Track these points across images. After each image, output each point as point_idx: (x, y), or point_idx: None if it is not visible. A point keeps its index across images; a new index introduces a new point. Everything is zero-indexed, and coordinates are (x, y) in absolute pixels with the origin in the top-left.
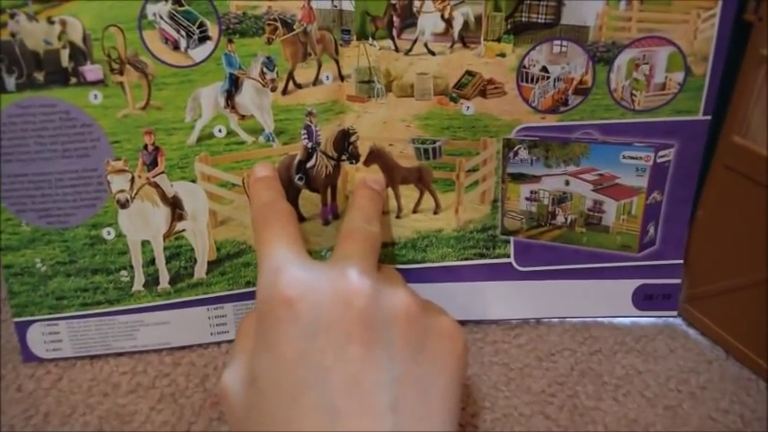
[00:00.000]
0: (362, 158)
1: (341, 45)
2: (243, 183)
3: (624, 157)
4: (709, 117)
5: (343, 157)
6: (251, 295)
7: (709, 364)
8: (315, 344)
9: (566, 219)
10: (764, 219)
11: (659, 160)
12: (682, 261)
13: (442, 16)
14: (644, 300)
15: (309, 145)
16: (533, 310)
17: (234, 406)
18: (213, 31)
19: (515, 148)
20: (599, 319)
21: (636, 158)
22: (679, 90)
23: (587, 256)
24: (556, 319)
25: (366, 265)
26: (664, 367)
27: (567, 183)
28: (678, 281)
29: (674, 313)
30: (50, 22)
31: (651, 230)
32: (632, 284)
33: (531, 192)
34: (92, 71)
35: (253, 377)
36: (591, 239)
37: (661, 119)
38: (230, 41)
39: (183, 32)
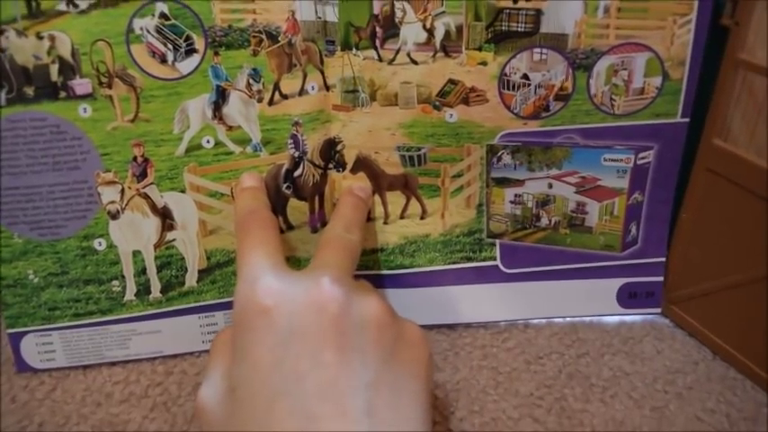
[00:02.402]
0: (349, 166)
1: (326, 56)
2: (231, 192)
3: (605, 160)
4: (687, 119)
5: (330, 166)
6: None
7: (695, 364)
8: (290, 350)
9: (550, 221)
10: (747, 220)
11: (639, 162)
12: (664, 259)
13: (424, 26)
14: (628, 298)
15: (296, 154)
16: (520, 311)
17: (212, 420)
18: (199, 43)
19: (499, 154)
20: (586, 321)
21: (617, 161)
22: (657, 94)
23: (572, 256)
24: (544, 322)
25: (340, 274)
26: (650, 368)
27: (550, 186)
28: (661, 278)
29: (658, 310)
30: (39, 37)
31: (633, 230)
32: (616, 283)
33: (516, 195)
34: (81, 85)
35: (231, 388)
36: (575, 240)
37: (640, 122)
38: (216, 54)
39: (169, 46)
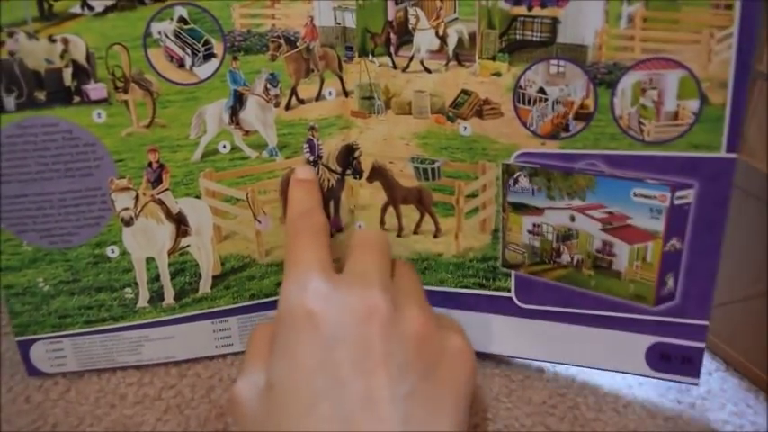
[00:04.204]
0: (365, 174)
1: (344, 61)
2: (247, 197)
3: (636, 195)
4: (734, 155)
5: (348, 172)
6: (255, 308)
7: (709, 375)
8: (333, 356)
9: (572, 258)
10: (763, 231)
11: (677, 202)
12: (706, 323)
13: (437, 33)
14: (660, 359)
15: (311, 159)
16: (534, 350)
17: (247, 413)
18: (218, 48)
19: (515, 176)
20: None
21: (649, 197)
22: (694, 121)
23: (596, 301)
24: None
25: (386, 281)
26: (665, 378)
27: (573, 219)
28: (702, 344)
29: (697, 381)
30: (52, 40)
31: (670, 282)
32: (647, 340)
33: (534, 225)
34: (95, 90)
35: (269, 384)
36: (600, 284)
37: (676, 153)
38: (235, 59)
39: (188, 50)
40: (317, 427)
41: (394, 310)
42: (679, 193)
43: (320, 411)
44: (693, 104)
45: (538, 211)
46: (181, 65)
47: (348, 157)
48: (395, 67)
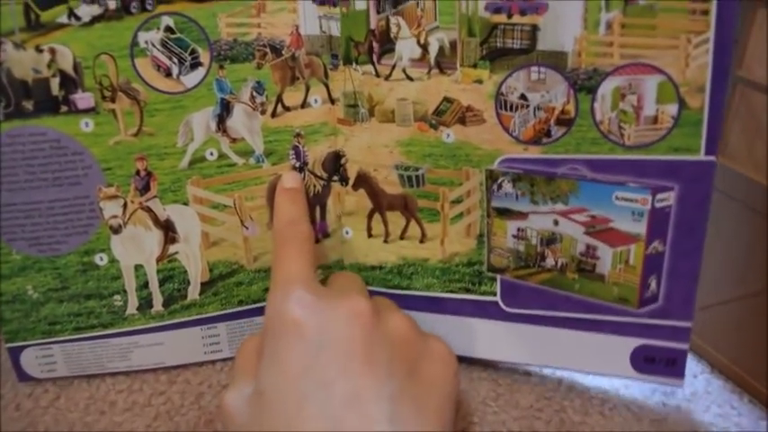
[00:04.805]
0: (351, 182)
1: (330, 69)
2: (234, 204)
3: (617, 199)
4: (713, 158)
5: (334, 178)
6: (244, 314)
7: (694, 377)
8: (319, 359)
9: (556, 262)
10: (744, 235)
11: (658, 204)
12: (690, 324)
13: (419, 42)
14: (644, 362)
15: (297, 165)
16: (520, 354)
17: (238, 422)
18: (205, 57)
19: (499, 181)
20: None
21: (631, 201)
22: (673, 124)
23: (580, 304)
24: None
25: (366, 295)
26: (649, 381)
27: (557, 223)
28: (686, 346)
29: (681, 382)
30: (39, 50)
31: (653, 284)
32: (631, 343)
33: (519, 229)
34: (83, 99)
35: (258, 392)
36: (584, 287)
37: (656, 157)
38: (221, 67)
39: (175, 59)
40: (305, 427)
41: (377, 316)
42: (660, 196)
43: (307, 413)
44: (672, 109)
45: (522, 215)
46: (168, 74)
47: (335, 163)
48: (378, 75)
